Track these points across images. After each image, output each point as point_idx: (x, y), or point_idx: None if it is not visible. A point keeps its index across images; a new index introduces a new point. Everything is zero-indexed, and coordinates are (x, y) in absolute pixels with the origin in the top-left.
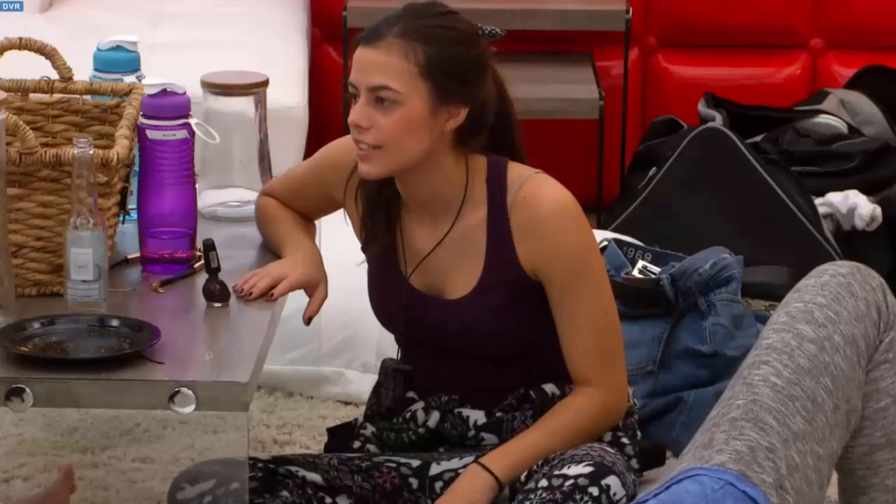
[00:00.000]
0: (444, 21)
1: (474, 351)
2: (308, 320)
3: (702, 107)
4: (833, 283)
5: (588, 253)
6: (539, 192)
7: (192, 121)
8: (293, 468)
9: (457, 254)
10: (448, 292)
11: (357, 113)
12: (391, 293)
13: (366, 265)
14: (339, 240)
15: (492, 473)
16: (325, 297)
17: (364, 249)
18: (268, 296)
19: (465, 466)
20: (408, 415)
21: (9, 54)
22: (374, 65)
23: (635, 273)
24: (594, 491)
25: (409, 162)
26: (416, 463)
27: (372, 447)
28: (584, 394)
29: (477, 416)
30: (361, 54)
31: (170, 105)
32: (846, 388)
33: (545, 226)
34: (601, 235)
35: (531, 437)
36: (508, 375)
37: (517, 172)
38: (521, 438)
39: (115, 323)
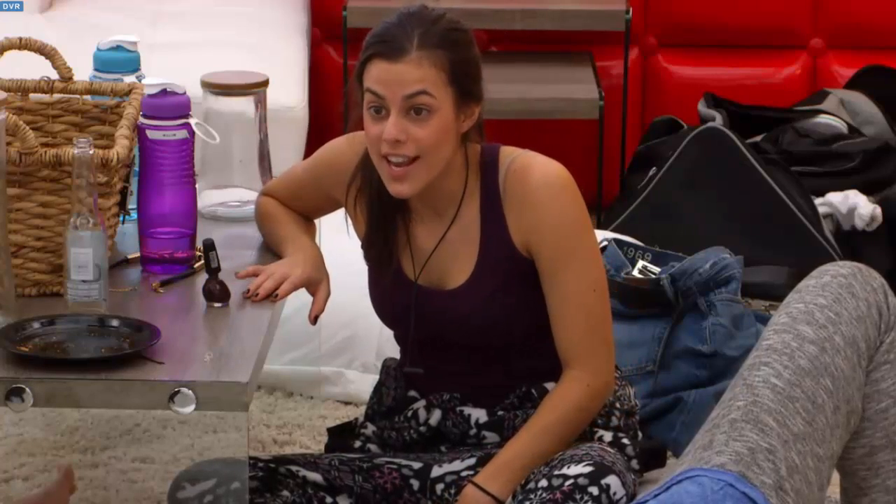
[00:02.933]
0: (451, 24)
1: (474, 340)
2: (315, 319)
3: (702, 107)
4: (834, 284)
5: (578, 224)
6: (530, 163)
7: (192, 121)
8: (294, 468)
9: (457, 244)
10: (447, 283)
11: (394, 127)
12: (398, 295)
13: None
14: (338, 239)
15: (490, 495)
16: (329, 294)
17: (365, 251)
18: (272, 296)
19: (466, 468)
20: (409, 413)
21: (9, 54)
22: (406, 77)
23: (635, 273)
24: (594, 490)
25: (440, 170)
26: (417, 465)
27: (373, 447)
28: (567, 380)
29: (479, 414)
30: (390, 69)
31: (170, 105)
32: (847, 390)
33: (534, 196)
34: (601, 235)
35: (520, 443)
36: (510, 373)
37: (509, 151)
38: (511, 447)
39: (115, 323)
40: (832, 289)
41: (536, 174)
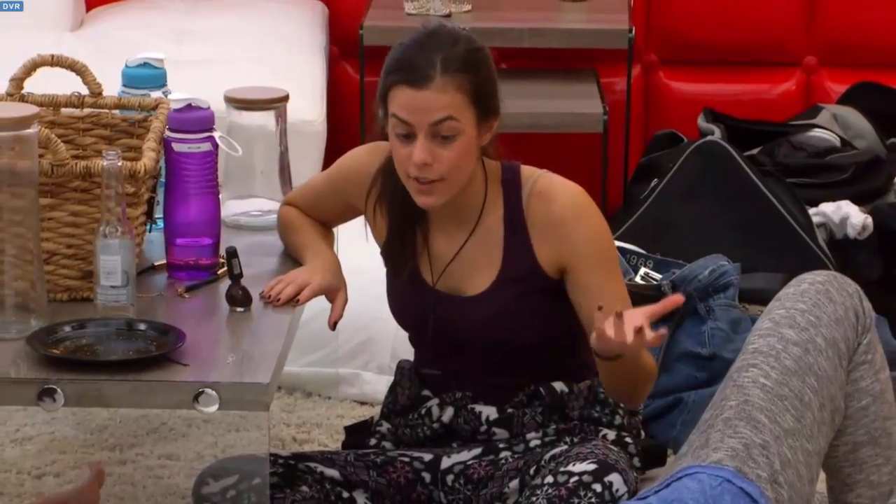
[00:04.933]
0: (470, 45)
1: (489, 345)
2: (334, 325)
3: (701, 121)
4: (812, 291)
5: (607, 236)
6: (551, 187)
7: (216, 134)
8: (312, 464)
9: (477, 253)
10: (467, 290)
11: (423, 151)
12: (416, 300)
13: (381, 269)
14: (355, 244)
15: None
16: (346, 301)
17: (384, 256)
18: (293, 302)
19: (474, 458)
20: (423, 411)
21: (41, 70)
22: (432, 104)
23: (637, 279)
24: (597, 487)
25: (464, 184)
26: (428, 457)
27: (387, 444)
28: None
29: (489, 411)
30: (416, 96)
31: (194, 119)
32: (830, 388)
33: (563, 220)
34: None
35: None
36: (521, 373)
37: (529, 172)
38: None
39: (142, 326)
40: (811, 295)
41: (560, 197)
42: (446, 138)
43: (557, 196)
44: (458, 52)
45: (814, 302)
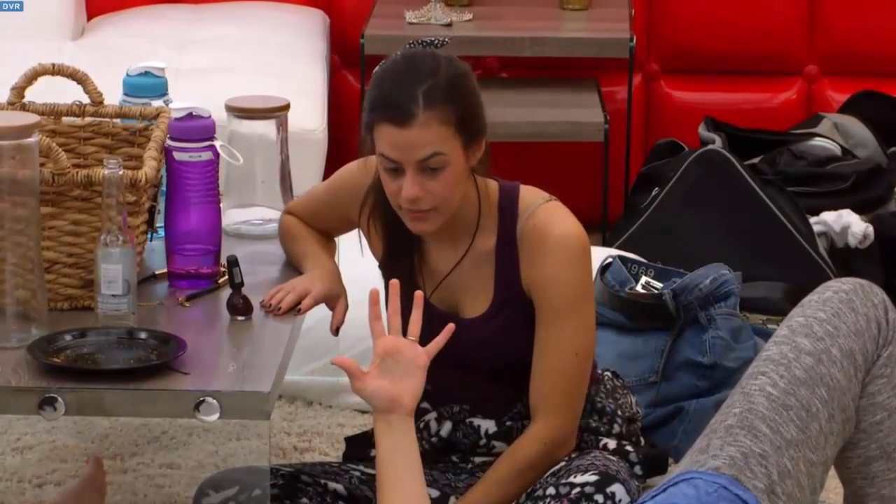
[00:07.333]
0: (453, 71)
1: (484, 364)
2: (336, 330)
3: (702, 130)
4: (835, 300)
5: (579, 290)
6: (549, 223)
7: (217, 143)
8: (315, 476)
9: (470, 276)
10: (463, 311)
11: (412, 187)
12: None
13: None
14: (356, 256)
15: None
16: (347, 308)
17: (382, 269)
18: (295, 310)
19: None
20: (421, 424)
21: (43, 79)
22: (417, 142)
23: (638, 288)
24: (600, 498)
25: (456, 207)
26: (434, 493)
27: None
28: (528, 437)
29: (487, 424)
30: (401, 135)
31: (195, 128)
32: (842, 399)
33: (548, 254)
34: (606, 252)
35: (475, 494)
36: (515, 386)
37: (529, 199)
38: (467, 497)
39: (143, 335)
40: (833, 304)
41: (554, 234)
42: (435, 170)
43: (550, 234)
44: (441, 82)
45: (834, 311)
